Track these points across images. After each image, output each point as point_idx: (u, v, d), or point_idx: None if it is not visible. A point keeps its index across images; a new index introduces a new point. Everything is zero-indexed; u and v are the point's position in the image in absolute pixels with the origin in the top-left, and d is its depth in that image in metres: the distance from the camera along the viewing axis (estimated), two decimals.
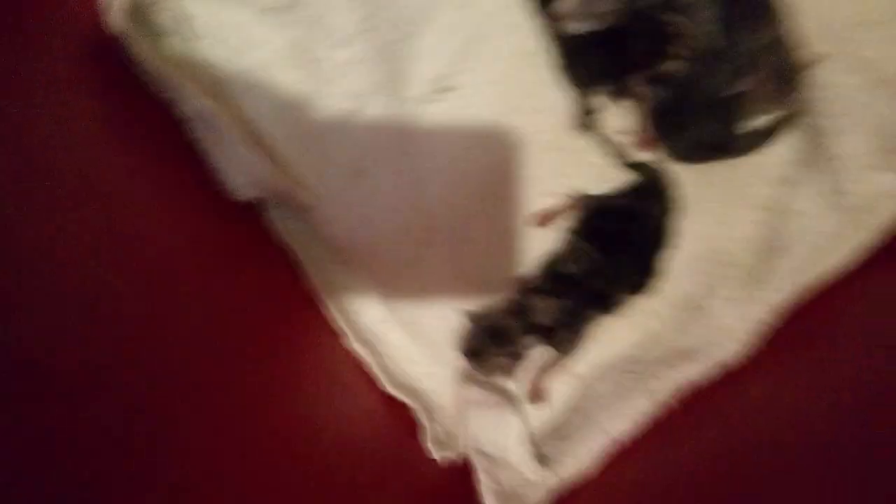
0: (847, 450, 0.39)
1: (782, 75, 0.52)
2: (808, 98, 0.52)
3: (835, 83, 0.52)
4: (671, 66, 0.52)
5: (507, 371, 0.52)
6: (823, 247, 0.52)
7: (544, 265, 0.53)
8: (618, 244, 0.51)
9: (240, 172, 0.50)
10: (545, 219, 0.55)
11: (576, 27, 0.53)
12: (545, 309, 0.50)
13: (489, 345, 0.51)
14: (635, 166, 0.54)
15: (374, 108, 0.55)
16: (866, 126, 0.51)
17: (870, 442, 0.39)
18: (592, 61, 0.54)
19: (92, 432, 0.31)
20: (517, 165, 0.56)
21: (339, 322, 0.54)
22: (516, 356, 0.52)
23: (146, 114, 0.50)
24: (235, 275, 0.49)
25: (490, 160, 0.56)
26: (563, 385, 0.54)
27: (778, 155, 0.54)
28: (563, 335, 0.51)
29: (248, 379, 0.42)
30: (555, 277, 0.52)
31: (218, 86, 0.53)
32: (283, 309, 0.52)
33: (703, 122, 0.53)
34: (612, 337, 0.53)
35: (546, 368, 0.53)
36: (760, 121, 0.52)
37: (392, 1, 0.55)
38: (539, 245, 0.54)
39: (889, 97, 0.51)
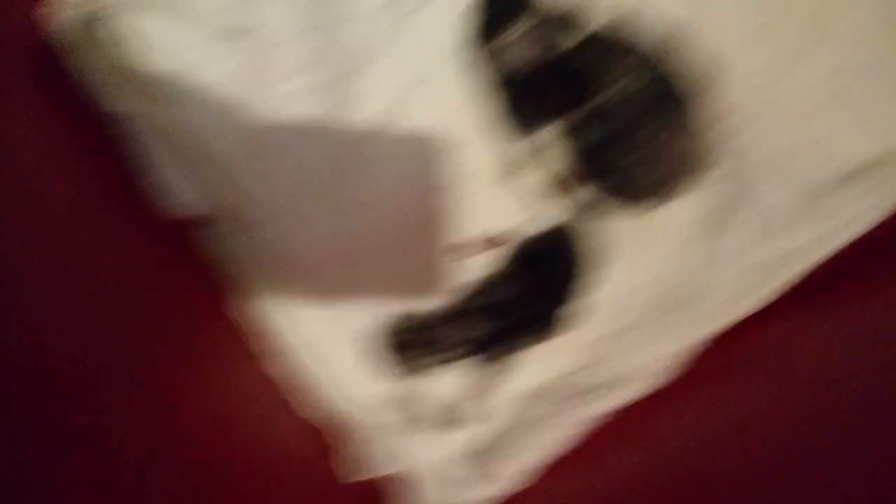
0: (761, 476, 0.42)
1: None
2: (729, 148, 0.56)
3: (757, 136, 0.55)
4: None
5: (427, 371, 0.54)
6: (739, 292, 0.54)
7: (473, 288, 0.55)
8: (535, 285, 0.53)
9: (182, 189, 0.51)
10: (472, 250, 0.57)
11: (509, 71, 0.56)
12: (471, 328, 0.52)
13: (418, 343, 0.52)
14: (557, 213, 0.57)
15: (315, 138, 0.56)
16: (788, 178, 0.54)
17: (782, 471, 0.41)
18: (525, 105, 0.57)
19: None
20: (451, 198, 0.58)
21: (263, 341, 0.54)
22: (443, 361, 0.53)
23: (86, 126, 0.50)
24: (163, 291, 0.49)
25: (423, 197, 0.58)
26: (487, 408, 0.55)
27: (700, 200, 0.57)
28: (487, 356, 0.53)
29: (159, 399, 0.42)
30: (481, 301, 0.54)
31: (164, 102, 0.54)
32: (206, 326, 0.52)
33: (633, 163, 0.56)
34: (530, 368, 0.55)
35: (477, 386, 0.54)
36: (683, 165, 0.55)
37: (345, 34, 0.56)
38: (469, 272, 0.57)
39: (808, 149, 0.55)
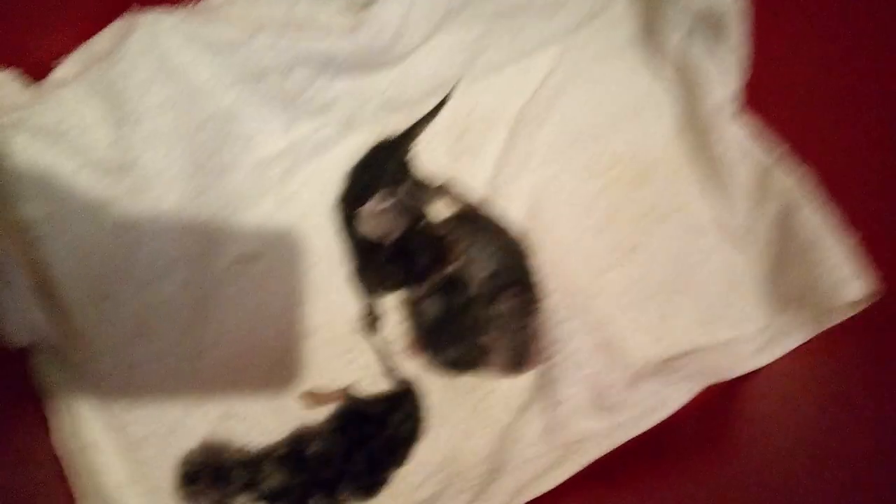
0: None
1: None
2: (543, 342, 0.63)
3: (564, 340, 0.62)
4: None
5: None
6: (536, 472, 0.60)
7: (290, 437, 0.58)
8: (360, 445, 0.57)
9: (15, 318, 0.52)
10: (314, 400, 0.60)
11: (371, 236, 0.62)
12: (272, 477, 0.55)
13: (206, 477, 0.55)
14: (396, 378, 0.62)
15: (175, 276, 0.59)
16: (581, 380, 0.61)
17: None
18: (382, 269, 0.63)
19: None
20: (298, 351, 0.62)
21: (74, 483, 0.55)
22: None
23: None
24: None
25: (274, 341, 0.62)
26: None
27: (515, 384, 0.63)
28: None
29: None
30: (294, 452, 0.57)
31: (20, 224, 0.55)
32: (18, 458, 0.52)
33: (461, 337, 0.62)
34: None
35: None
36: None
37: (220, 183, 0.61)
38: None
39: (606, 359, 0.62)
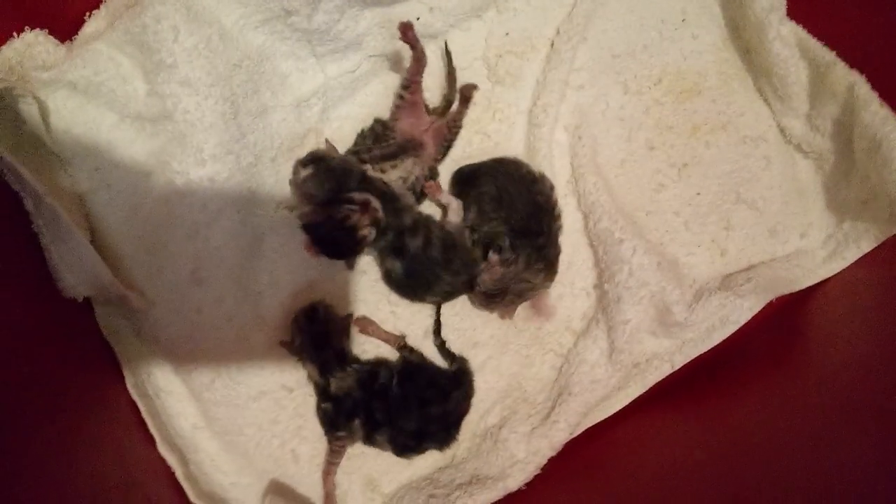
0: None
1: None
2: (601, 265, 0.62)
3: (626, 260, 0.61)
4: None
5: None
6: (601, 394, 0.60)
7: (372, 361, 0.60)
8: (420, 403, 0.58)
9: (73, 271, 0.52)
10: (367, 328, 0.61)
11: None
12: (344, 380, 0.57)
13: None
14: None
15: (223, 223, 0.59)
16: (645, 299, 0.59)
17: None
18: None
19: None
20: (348, 289, 0.62)
21: (151, 427, 0.57)
22: None
23: None
24: (58, 365, 0.51)
25: (323, 283, 0.62)
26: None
27: (576, 307, 0.63)
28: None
29: (48, 475, 0.43)
30: (368, 374, 0.58)
31: (69, 181, 0.56)
32: (97, 406, 0.54)
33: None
34: (418, 459, 0.60)
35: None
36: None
37: (260, 124, 0.60)
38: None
39: (668, 276, 0.60)
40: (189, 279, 0.58)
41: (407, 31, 0.56)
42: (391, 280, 0.59)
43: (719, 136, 0.67)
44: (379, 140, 0.59)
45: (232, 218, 0.59)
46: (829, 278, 0.63)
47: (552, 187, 0.63)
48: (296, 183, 0.54)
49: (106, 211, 0.56)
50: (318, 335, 0.57)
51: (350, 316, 0.60)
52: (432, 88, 0.65)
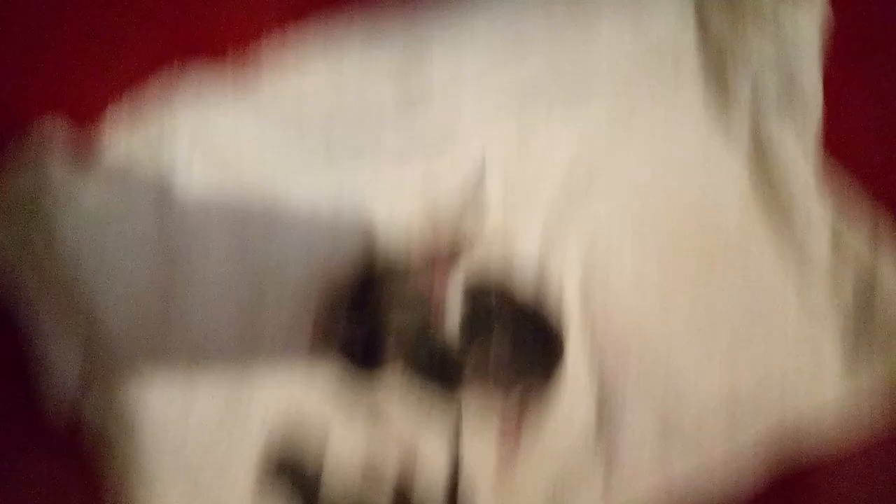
0: None
1: None
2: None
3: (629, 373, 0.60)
4: None
5: None
6: None
7: None
8: None
9: (59, 391, 0.52)
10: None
11: None
12: None
13: None
14: None
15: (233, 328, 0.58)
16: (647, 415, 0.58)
17: None
18: None
19: None
20: None
21: None
22: None
23: None
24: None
25: None
26: None
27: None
28: None
29: None
30: None
31: (62, 285, 0.55)
32: None
33: None
34: None
35: None
36: None
37: (264, 239, 0.60)
38: None
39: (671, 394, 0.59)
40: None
41: None
42: None
43: (736, 282, 0.65)
44: None
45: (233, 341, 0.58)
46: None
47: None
48: None
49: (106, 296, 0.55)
50: None
51: None
52: None
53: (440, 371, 0.57)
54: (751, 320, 0.63)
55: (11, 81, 0.51)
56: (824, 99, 0.62)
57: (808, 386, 0.60)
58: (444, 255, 0.61)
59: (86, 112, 0.58)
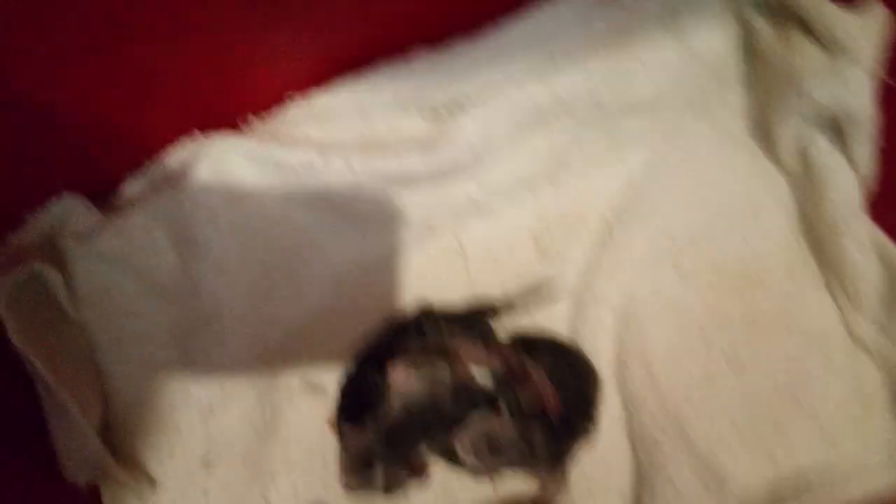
0: None
1: None
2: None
3: (664, 464, 0.57)
4: None
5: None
6: None
7: None
8: None
9: (75, 458, 0.50)
10: None
11: None
12: None
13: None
14: None
15: (240, 402, 0.56)
16: None
17: None
18: None
19: None
20: None
21: None
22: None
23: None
24: None
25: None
26: None
27: None
28: None
29: None
30: None
31: (87, 351, 0.53)
32: None
33: None
34: None
35: None
36: None
37: (292, 303, 0.57)
38: None
39: (708, 486, 0.56)
40: (198, 463, 0.55)
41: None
42: None
43: (780, 331, 0.62)
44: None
45: (248, 397, 0.56)
46: None
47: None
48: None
49: (122, 385, 0.54)
50: None
51: None
52: None
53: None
54: (796, 403, 0.59)
55: (42, 147, 0.49)
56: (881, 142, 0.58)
57: (855, 473, 0.57)
58: (475, 321, 0.58)
59: (110, 171, 0.56)
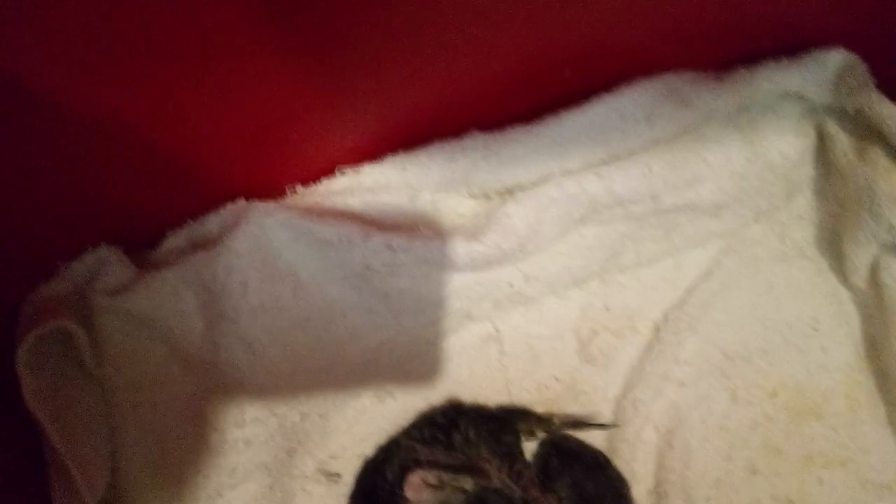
0: None
1: None
2: None
3: None
4: None
5: None
6: None
7: None
8: None
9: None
10: None
11: None
12: None
13: None
14: None
15: (250, 486, 0.53)
16: None
17: None
18: None
19: None
20: None
21: None
22: None
23: None
24: None
25: None
26: None
27: None
28: None
29: None
30: None
31: (103, 413, 0.52)
32: None
33: None
34: None
35: None
36: None
37: (316, 380, 0.56)
38: None
39: None
40: None
41: None
42: None
43: (836, 473, 0.57)
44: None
45: (261, 482, 0.53)
46: None
47: None
48: None
49: (133, 452, 0.52)
50: None
51: None
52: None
53: None
54: None
55: (85, 194, 0.49)
56: None
57: None
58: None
59: (150, 226, 0.55)
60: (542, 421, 0.55)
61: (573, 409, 0.58)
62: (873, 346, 0.58)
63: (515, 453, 0.51)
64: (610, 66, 0.54)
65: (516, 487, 0.48)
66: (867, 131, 0.54)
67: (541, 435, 0.55)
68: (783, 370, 0.59)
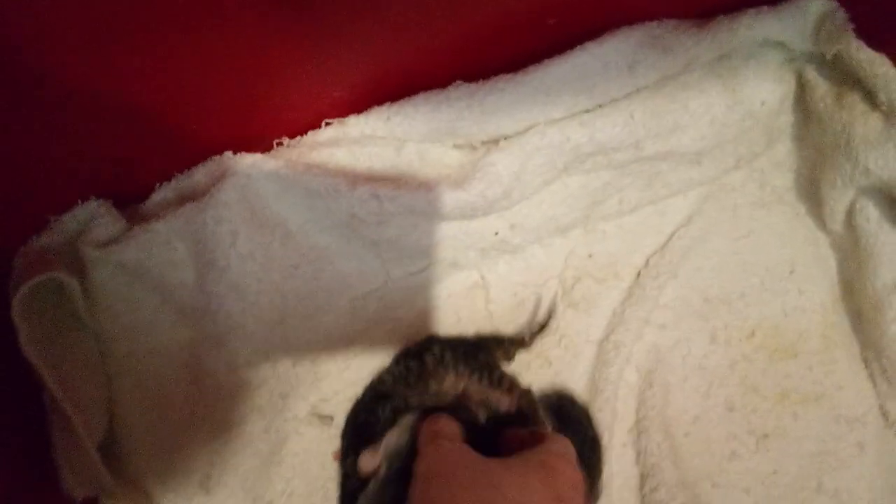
0: None
1: None
2: None
3: None
4: None
5: None
6: None
7: None
8: None
9: (75, 472, 0.49)
10: None
11: None
12: None
13: None
14: None
15: (246, 428, 0.55)
16: None
17: None
18: None
19: None
20: None
21: None
22: None
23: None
24: None
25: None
26: None
27: None
28: None
29: None
30: None
31: (99, 362, 0.53)
32: None
33: None
34: None
35: None
36: None
37: (307, 326, 0.57)
38: None
39: None
40: (198, 486, 0.53)
41: None
42: None
43: (810, 408, 0.59)
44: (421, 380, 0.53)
45: (255, 424, 0.55)
46: None
47: None
48: None
49: (129, 399, 0.53)
50: None
51: None
52: None
53: None
54: (822, 489, 0.57)
55: (74, 148, 0.49)
56: None
57: None
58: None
59: (139, 179, 0.55)
60: (515, 341, 0.57)
61: (556, 351, 0.60)
62: (848, 288, 0.60)
63: (493, 365, 0.53)
64: (593, 14, 0.54)
65: (500, 393, 0.50)
66: (845, 77, 0.54)
67: (515, 354, 0.57)
68: (761, 312, 0.60)
